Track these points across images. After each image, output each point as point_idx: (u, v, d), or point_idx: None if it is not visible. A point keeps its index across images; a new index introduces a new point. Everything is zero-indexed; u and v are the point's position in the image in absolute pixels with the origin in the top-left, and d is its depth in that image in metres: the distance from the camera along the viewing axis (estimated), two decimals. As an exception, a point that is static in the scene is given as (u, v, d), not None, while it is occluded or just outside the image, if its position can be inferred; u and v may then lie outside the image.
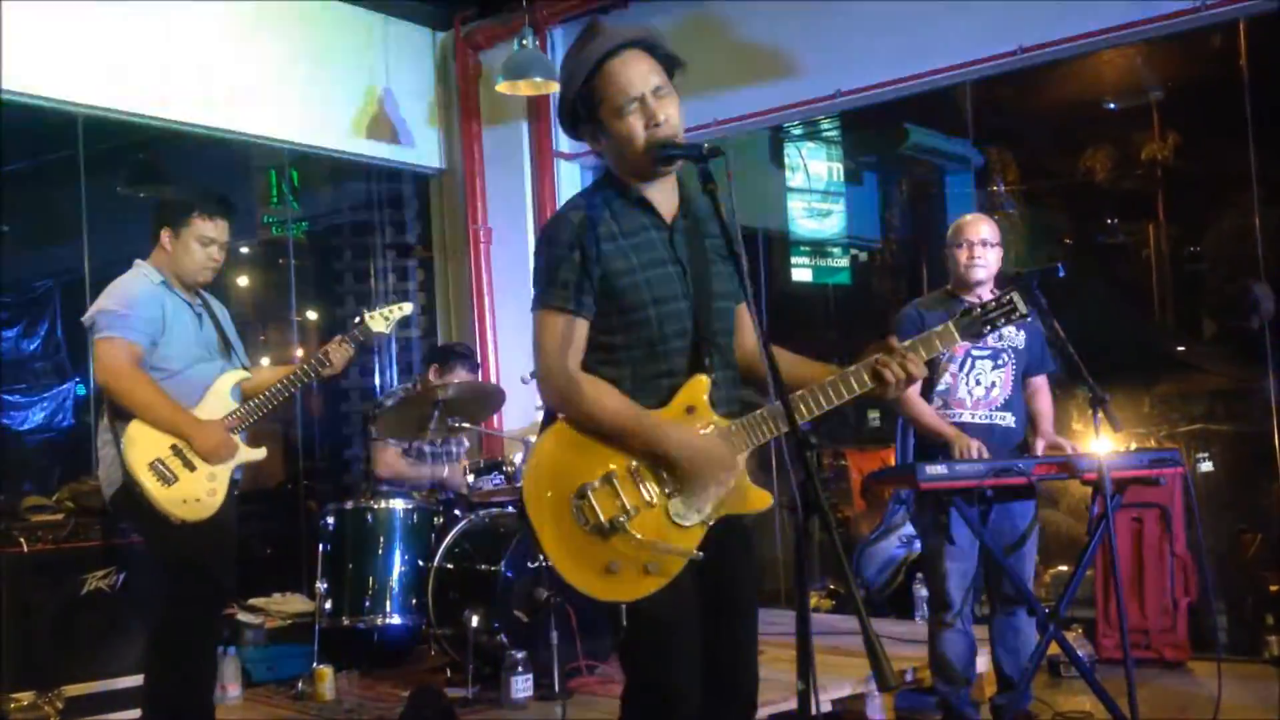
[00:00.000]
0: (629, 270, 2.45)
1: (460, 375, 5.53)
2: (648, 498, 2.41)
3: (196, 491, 3.80)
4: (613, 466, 2.41)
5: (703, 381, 2.47)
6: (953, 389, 4.22)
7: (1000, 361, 4.24)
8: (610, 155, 2.52)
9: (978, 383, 4.22)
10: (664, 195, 2.54)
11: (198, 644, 3.90)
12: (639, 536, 2.38)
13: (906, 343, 2.48)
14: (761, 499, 2.50)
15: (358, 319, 4.24)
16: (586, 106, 2.46)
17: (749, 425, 2.47)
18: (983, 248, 4.22)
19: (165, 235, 3.95)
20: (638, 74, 2.45)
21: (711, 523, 2.44)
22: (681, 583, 2.41)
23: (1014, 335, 4.26)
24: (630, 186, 2.51)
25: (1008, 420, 4.23)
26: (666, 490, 2.42)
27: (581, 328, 2.46)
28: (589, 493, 2.39)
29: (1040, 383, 4.38)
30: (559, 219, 2.49)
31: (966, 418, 4.19)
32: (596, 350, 2.48)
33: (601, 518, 2.38)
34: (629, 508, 2.39)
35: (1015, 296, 2.55)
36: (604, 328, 2.47)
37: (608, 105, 2.44)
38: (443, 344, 6.51)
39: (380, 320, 4.27)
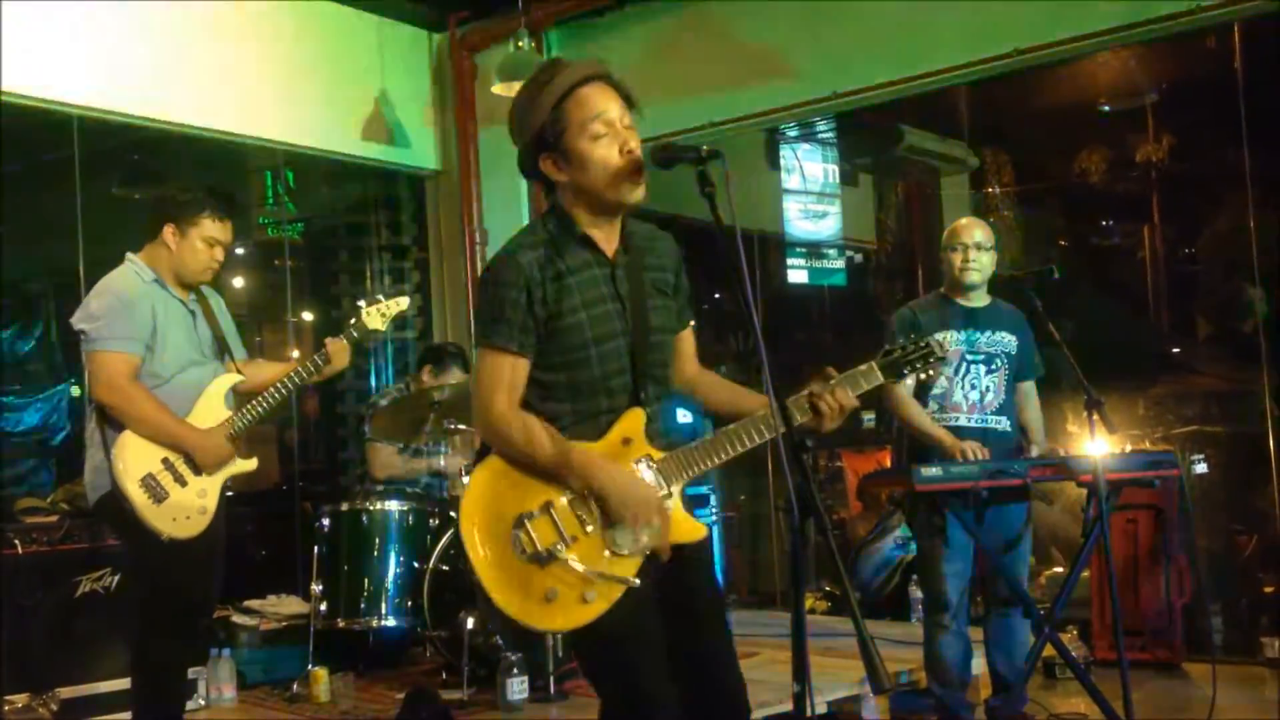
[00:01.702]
0: (572, 310, 2.47)
1: (455, 375, 5.52)
2: (585, 527, 2.44)
3: (187, 508, 3.72)
4: (551, 496, 2.44)
5: (639, 414, 2.51)
6: (948, 393, 4.22)
7: (994, 366, 4.25)
8: (574, 184, 2.50)
9: (973, 387, 4.23)
10: (606, 233, 2.56)
11: (173, 660, 3.82)
12: (577, 565, 2.40)
13: (834, 380, 2.52)
14: (696, 530, 2.54)
15: (353, 319, 4.14)
16: (554, 132, 2.46)
17: (684, 457, 2.51)
18: (976, 251, 4.23)
19: (169, 231, 3.81)
20: (612, 101, 2.48)
21: (649, 552, 2.46)
22: (639, 600, 2.43)
23: (1006, 340, 4.26)
24: (575, 223, 2.52)
25: (1003, 424, 4.24)
26: (603, 520, 2.44)
27: (523, 368, 2.48)
28: (527, 522, 2.42)
29: (1029, 389, 4.38)
30: (508, 258, 2.48)
31: (962, 422, 4.19)
32: (537, 386, 2.50)
33: (539, 547, 2.41)
34: (567, 537, 2.42)
35: (933, 342, 2.64)
36: (545, 365, 2.50)
37: (578, 128, 2.45)
38: (435, 344, 6.49)
39: (377, 317, 4.16)
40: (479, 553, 2.43)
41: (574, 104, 2.46)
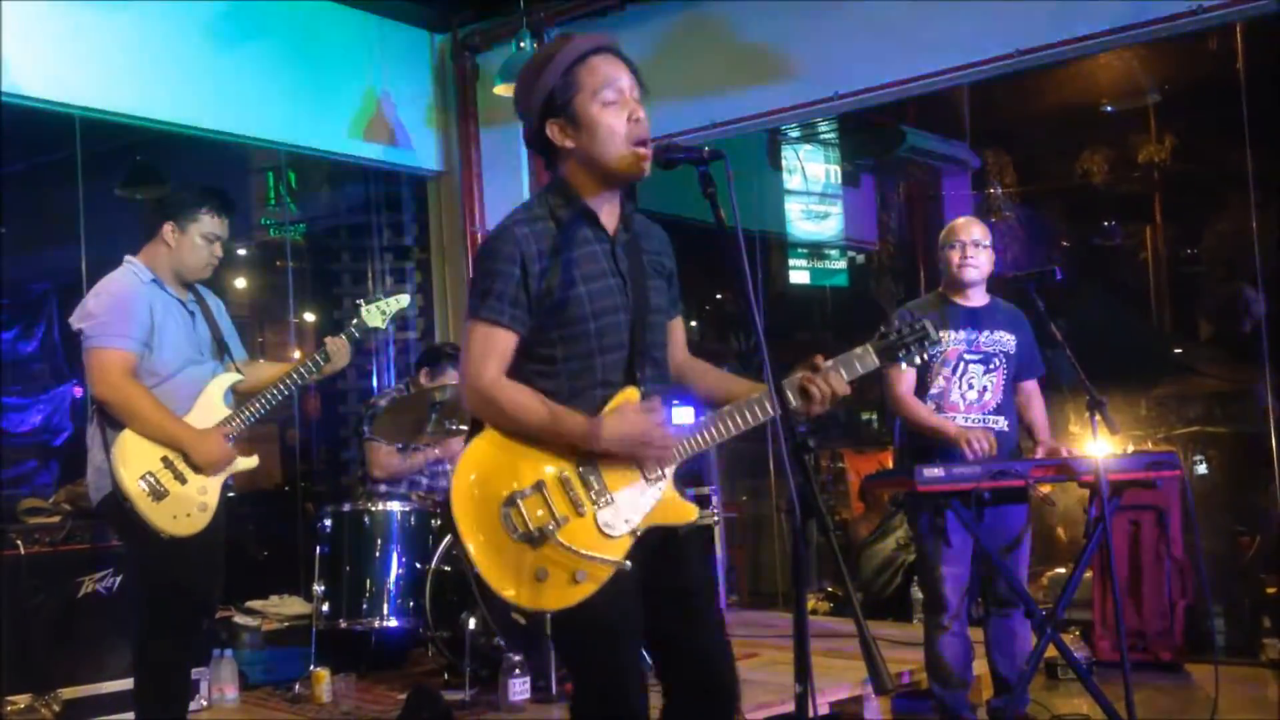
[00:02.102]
0: (572, 283, 2.46)
1: (451, 376, 5.51)
2: (577, 507, 2.43)
3: (188, 506, 3.70)
4: (543, 475, 2.43)
5: (633, 393, 2.50)
6: (946, 393, 4.22)
7: (992, 366, 4.24)
8: (580, 151, 2.50)
9: (970, 386, 4.22)
10: (609, 207, 2.56)
11: (175, 660, 3.80)
12: (568, 545, 2.39)
13: (829, 362, 2.52)
14: (688, 511, 2.55)
15: (354, 317, 4.15)
16: (565, 96, 2.47)
17: (678, 438, 2.50)
18: (974, 248, 4.22)
19: (168, 229, 3.82)
20: (622, 71, 2.50)
21: (640, 534, 2.46)
22: (624, 586, 2.43)
23: (1005, 339, 4.26)
24: (577, 197, 2.52)
25: (1000, 424, 4.23)
26: (596, 500, 2.44)
27: (510, 341, 2.47)
28: (519, 501, 2.41)
29: (1032, 388, 4.38)
30: (504, 232, 2.49)
31: (960, 421, 4.19)
32: (534, 361, 2.50)
33: (531, 526, 2.39)
34: (559, 517, 2.41)
35: (927, 324, 2.64)
36: (543, 340, 2.49)
37: (590, 93, 2.46)
38: (433, 345, 6.49)
39: (377, 315, 4.16)
40: (470, 532, 2.41)
41: (586, 70, 2.47)
